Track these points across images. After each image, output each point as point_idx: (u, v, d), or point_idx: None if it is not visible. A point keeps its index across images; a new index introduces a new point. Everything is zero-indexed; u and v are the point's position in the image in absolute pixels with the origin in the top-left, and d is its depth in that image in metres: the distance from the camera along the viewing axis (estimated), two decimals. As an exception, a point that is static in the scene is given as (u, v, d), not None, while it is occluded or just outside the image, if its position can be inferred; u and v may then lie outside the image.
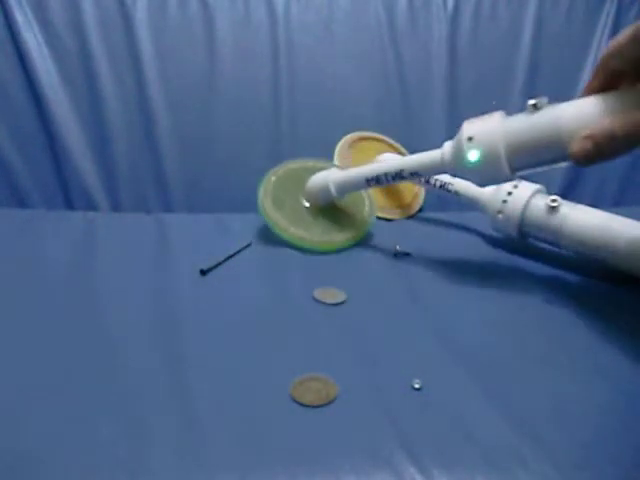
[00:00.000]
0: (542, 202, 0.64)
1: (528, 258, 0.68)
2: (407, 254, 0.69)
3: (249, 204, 0.88)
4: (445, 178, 0.78)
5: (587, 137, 0.41)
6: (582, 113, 0.44)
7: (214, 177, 0.90)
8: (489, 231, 0.75)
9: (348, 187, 0.68)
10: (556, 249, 0.67)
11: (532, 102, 0.47)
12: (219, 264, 0.63)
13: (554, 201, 0.63)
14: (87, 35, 0.85)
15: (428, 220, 0.86)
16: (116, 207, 0.88)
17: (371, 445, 0.36)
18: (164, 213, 0.86)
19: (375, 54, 0.95)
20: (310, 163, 0.77)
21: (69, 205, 0.87)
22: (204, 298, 0.55)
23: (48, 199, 0.86)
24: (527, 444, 0.37)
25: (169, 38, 0.88)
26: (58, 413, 0.38)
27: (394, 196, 0.89)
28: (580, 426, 0.39)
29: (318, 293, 0.57)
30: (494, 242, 0.74)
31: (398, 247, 0.69)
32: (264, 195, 0.71)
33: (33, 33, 0.84)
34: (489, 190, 0.72)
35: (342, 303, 0.56)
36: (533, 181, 0.68)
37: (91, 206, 0.86)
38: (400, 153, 0.91)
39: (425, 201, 0.92)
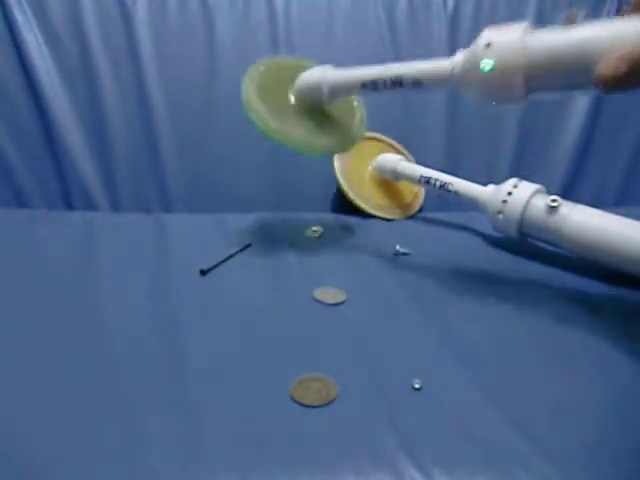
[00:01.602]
0: (542, 202, 0.64)
1: (528, 258, 0.68)
2: (407, 254, 0.69)
3: (249, 204, 0.89)
4: (445, 178, 0.78)
5: (620, 58, 0.39)
6: (618, 34, 0.41)
7: (214, 177, 0.90)
8: (489, 231, 0.75)
9: (341, 89, 0.61)
10: (556, 249, 0.67)
11: (565, 14, 0.45)
12: (219, 264, 0.63)
13: (554, 201, 0.63)
14: (87, 35, 0.85)
15: (428, 220, 0.86)
16: (116, 207, 0.88)
17: (371, 445, 0.36)
18: (164, 213, 0.86)
19: (375, 54, 0.95)
20: (305, 62, 0.68)
21: (69, 205, 0.87)
22: (204, 298, 0.55)
23: (48, 199, 0.86)
24: (527, 444, 0.37)
25: (169, 38, 0.88)
26: (58, 413, 0.38)
27: (394, 196, 0.89)
28: (580, 426, 0.39)
29: (318, 293, 0.57)
30: (494, 242, 0.74)
31: (398, 247, 0.69)
32: (249, 82, 0.62)
33: (33, 33, 0.84)
34: (489, 190, 0.72)
35: (342, 303, 0.56)
36: (533, 181, 0.68)
37: (91, 206, 0.86)
38: (400, 153, 0.91)
39: (425, 201, 0.92)
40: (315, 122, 0.64)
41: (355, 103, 0.71)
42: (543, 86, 0.45)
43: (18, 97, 0.84)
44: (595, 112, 0.99)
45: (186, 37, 0.89)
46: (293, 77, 0.65)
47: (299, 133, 0.62)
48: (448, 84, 0.53)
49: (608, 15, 0.99)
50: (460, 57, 0.51)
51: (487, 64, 0.46)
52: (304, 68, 0.65)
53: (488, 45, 0.46)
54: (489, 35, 0.47)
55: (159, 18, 0.88)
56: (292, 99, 0.64)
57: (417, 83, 0.54)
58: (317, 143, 0.63)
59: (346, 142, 0.67)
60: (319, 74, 0.62)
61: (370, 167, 0.88)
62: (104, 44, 0.86)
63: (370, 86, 0.57)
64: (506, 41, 0.45)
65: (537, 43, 0.44)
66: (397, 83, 0.55)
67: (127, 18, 0.86)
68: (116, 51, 0.87)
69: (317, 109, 0.65)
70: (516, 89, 0.45)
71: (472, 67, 0.48)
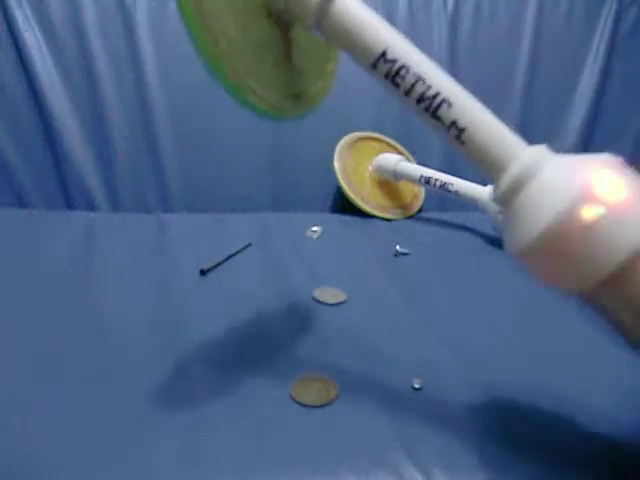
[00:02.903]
0: (542, 202, 0.64)
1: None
2: (407, 254, 0.69)
3: (249, 204, 0.89)
4: (445, 178, 0.78)
5: None
6: None
7: (214, 177, 0.90)
8: (489, 231, 0.75)
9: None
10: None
11: None
12: (219, 264, 0.63)
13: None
14: (87, 35, 0.85)
15: (428, 220, 0.86)
16: (116, 207, 0.88)
17: (371, 445, 0.36)
18: (164, 213, 0.86)
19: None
20: None
21: (69, 205, 0.87)
22: (204, 298, 0.55)
23: (48, 199, 0.86)
24: (527, 445, 0.37)
25: (169, 38, 0.88)
26: (59, 413, 0.38)
27: (394, 196, 0.89)
28: (580, 426, 0.39)
29: (318, 293, 0.57)
30: (494, 242, 0.74)
31: (398, 247, 0.69)
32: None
33: (33, 33, 0.84)
34: (489, 190, 0.72)
35: (342, 303, 0.56)
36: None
37: (91, 206, 0.86)
38: (400, 153, 0.91)
39: (425, 201, 0.92)
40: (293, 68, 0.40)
41: (330, 66, 0.46)
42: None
43: (18, 97, 0.84)
44: (595, 112, 0.99)
45: (186, 37, 0.89)
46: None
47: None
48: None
49: (608, 15, 0.99)
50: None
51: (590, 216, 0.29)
52: None
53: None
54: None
55: (159, 18, 0.88)
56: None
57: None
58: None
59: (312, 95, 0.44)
60: None
61: (370, 167, 0.88)
62: (104, 44, 0.86)
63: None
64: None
65: None
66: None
67: (127, 18, 0.86)
68: (116, 51, 0.86)
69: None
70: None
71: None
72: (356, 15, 0.33)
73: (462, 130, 0.32)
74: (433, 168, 0.81)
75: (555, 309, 0.55)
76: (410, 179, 0.83)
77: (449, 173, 0.80)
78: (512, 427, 0.38)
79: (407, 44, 0.34)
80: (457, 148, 0.33)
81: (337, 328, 0.51)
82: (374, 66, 0.33)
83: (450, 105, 0.33)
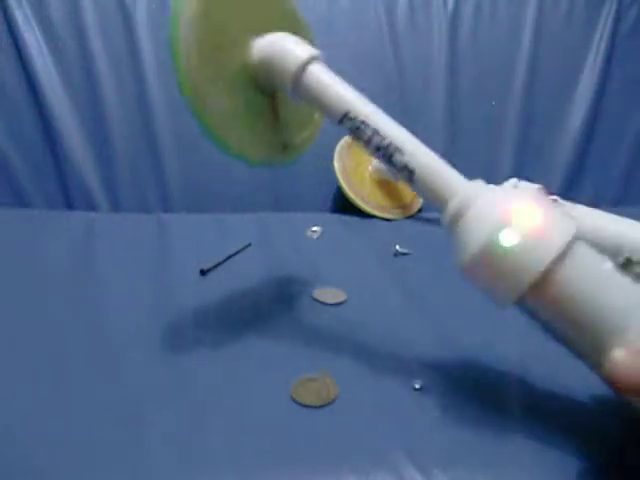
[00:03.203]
0: (542, 202, 0.64)
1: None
2: (407, 254, 0.69)
3: (249, 204, 0.89)
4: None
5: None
6: None
7: (214, 177, 0.90)
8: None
9: (314, 97, 0.42)
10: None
11: (625, 258, 0.36)
12: (219, 264, 0.63)
13: (554, 201, 0.63)
14: (87, 35, 0.85)
15: (428, 220, 0.86)
16: (116, 207, 0.88)
17: (371, 445, 0.36)
18: (164, 213, 0.86)
19: (375, 54, 0.95)
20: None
21: (69, 205, 0.87)
22: (204, 298, 0.55)
23: (48, 199, 0.86)
24: (527, 444, 0.37)
25: (169, 38, 0.88)
26: (58, 413, 0.38)
27: (394, 196, 0.89)
28: (580, 425, 0.39)
29: (318, 293, 0.57)
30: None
31: (398, 247, 0.69)
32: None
33: (33, 33, 0.84)
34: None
35: (342, 303, 0.56)
36: (533, 181, 0.68)
37: (91, 206, 0.87)
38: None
39: (425, 201, 0.92)
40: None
41: (316, 116, 0.52)
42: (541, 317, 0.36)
43: (18, 97, 0.84)
44: (595, 112, 0.99)
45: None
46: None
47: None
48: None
49: (608, 15, 0.99)
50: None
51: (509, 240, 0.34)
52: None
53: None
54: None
55: (159, 18, 0.88)
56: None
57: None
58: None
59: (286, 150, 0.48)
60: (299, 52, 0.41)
61: (370, 167, 0.88)
62: (104, 44, 0.86)
63: (349, 123, 0.41)
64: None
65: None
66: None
67: (127, 18, 0.86)
68: (116, 51, 0.87)
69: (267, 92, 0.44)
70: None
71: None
72: (324, 83, 0.41)
73: (412, 172, 0.40)
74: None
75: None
76: (410, 179, 0.83)
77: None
78: (513, 427, 0.38)
79: (366, 104, 0.41)
80: (410, 187, 0.41)
81: (337, 328, 0.51)
82: (341, 122, 0.41)
83: (401, 152, 0.40)
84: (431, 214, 0.89)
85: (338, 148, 0.87)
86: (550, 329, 0.36)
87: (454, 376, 0.44)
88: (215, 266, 0.62)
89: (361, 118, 0.40)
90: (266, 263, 0.65)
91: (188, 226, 0.76)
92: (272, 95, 0.45)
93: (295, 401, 0.40)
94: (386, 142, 0.40)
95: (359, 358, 0.46)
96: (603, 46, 0.98)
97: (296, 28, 0.45)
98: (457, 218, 0.37)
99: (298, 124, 0.49)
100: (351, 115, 0.40)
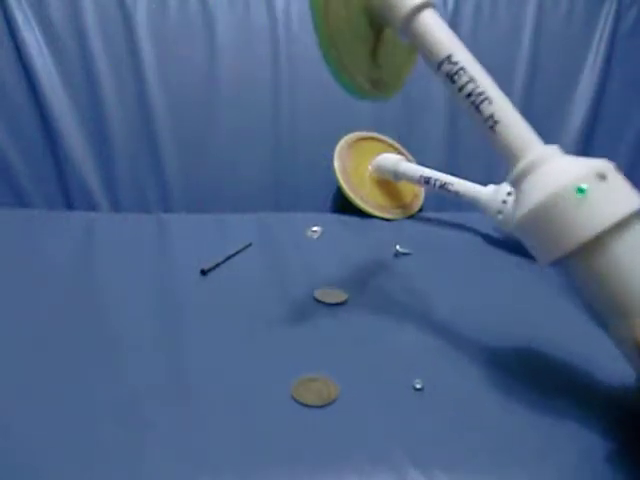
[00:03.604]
0: (542, 202, 0.65)
1: (528, 258, 0.68)
2: (407, 254, 0.69)
3: (249, 204, 0.89)
4: (445, 178, 0.78)
5: None
6: None
7: (214, 177, 0.90)
8: (489, 231, 0.75)
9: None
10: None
11: None
12: (219, 264, 0.63)
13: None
14: (87, 35, 0.85)
15: (428, 220, 0.86)
16: (116, 207, 0.88)
17: (372, 445, 0.36)
18: (164, 213, 0.86)
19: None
20: None
21: (69, 205, 0.87)
22: (204, 298, 0.55)
23: (48, 199, 0.86)
24: (527, 445, 0.37)
25: (169, 38, 0.88)
26: (58, 413, 0.38)
27: (394, 196, 0.89)
28: (580, 425, 0.39)
29: (319, 293, 0.57)
30: (494, 242, 0.74)
31: (398, 247, 0.69)
32: None
33: (33, 33, 0.84)
34: (489, 190, 0.72)
35: (343, 303, 0.56)
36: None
37: (91, 206, 0.86)
38: (400, 153, 0.91)
39: (425, 201, 0.92)
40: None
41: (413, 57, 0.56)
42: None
43: (18, 97, 0.84)
44: (595, 112, 0.99)
45: (186, 37, 0.89)
46: None
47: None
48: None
49: (608, 15, 0.99)
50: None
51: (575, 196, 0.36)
52: None
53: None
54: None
55: (159, 18, 0.88)
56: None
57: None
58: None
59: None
60: None
61: (370, 167, 0.89)
62: (104, 44, 0.86)
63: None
64: None
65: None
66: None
67: (127, 18, 0.86)
68: (116, 51, 0.86)
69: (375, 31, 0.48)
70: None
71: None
72: (433, 26, 0.43)
73: (496, 122, 0.41)
74: (433, 168, 0.81)
75: (556, 309, 0.55)
76: (410, 179, 0.83)
77: (449, 173, 0.80)
78: (514, 427, 0.38)
79: (467, 53, 0.44)
80: (489, 136, 0.42)
81: (337, 328, 0.51)
82: (440, 65, 0.43)
83: (490, 102, 0.42)
84: (431, 214, 0.89)
85: (338, 148, 0.87)
86: (583, 294, 0.38)
87: (454, 376, 0.44)
88: (215, 266, 0.62)
89: (461, 64, 0.43)
90: (266, 263, 0.65)
91: (188, 226, 0.76)
92: (379, 32, 0.48)
93: (296, 401, 0.40)
94: (479, 90, 0.42)
95: (360, 358, 0.46)
96: (603, 46, 0.98)
97: None
98: (526, 174, 0.39)
99: (389, 70, 0.53)
100: (453, 59, 0.43)
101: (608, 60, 0.99)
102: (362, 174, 0.88)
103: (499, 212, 0.68)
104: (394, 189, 0.89)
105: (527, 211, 0.37)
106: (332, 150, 0.87)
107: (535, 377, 0.44)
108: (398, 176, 0.84)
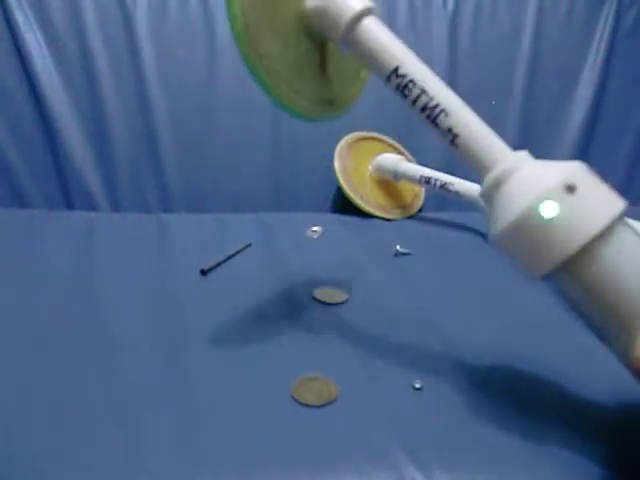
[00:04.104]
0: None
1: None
2: (407, 254, 0.69)
3: (249, 204, 0.89)
4: (445, 178, 0.78)
5: None
6: None
7: (214, 177, 0.90)
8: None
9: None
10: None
11: None
12: (219, 264, 0.63)
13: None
14: (87, 35, 0.85)
15: (428, 220, 0.86)
16: (116, 207, 0.88)
17: (372, 445, 0.36)
18: (164, 213, 0.86)
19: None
20: None
21: (69, 205, 0.87)
22: (204, 298, 0.55)
23: (48, 199, 0.86)
24: (528, 445, 0.37)
25: (169, 38, 0.88)
26: (58, 412, 0.38)
27: (394, 196, 0.89)
28: (581, 425, 0.39)
29: (319, 293, 0.57)
30: (494, 242, 0.74)
31: (398, 247, 0.69)
32: None
33: (33, 33, 0.84)
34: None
35: (342, 303, 0.56)
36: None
37: (91, 206, 0.86)
38: (400, 153, 0.91)
39: (425, 201, 0.92)
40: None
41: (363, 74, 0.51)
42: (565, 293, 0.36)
43: (18, 97, 0.84)
44: (595, 112, 0.99)
45: (186, 38, 0.89)
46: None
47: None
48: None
49: (607, 16, 0.99)
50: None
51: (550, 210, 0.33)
52: None
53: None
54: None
55: (159, 18, 0.88)
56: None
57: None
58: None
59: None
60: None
61: (370, 167, 0.89)
62: (104, 44, 0.86)
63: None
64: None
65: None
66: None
67: (127, 18, 0.86)
68: (116, 51, 0.86)
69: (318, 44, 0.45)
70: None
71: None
72: (376, 37, 0.40)
73: (456, 136, 0.38)
74: (433, 168, 0.81)
75: (556, 308, 0.55)
76: (410, 179, 0.83)
77: (449, 173, 0.80)
78: (513, 426, 0.38)
79: (416, 62, 0.40)
80: (452, 151, 0.39)
81: (337, 328, 0.51)
82: (388, 79, 0.40)
83: (447, 114, 0.38)
84: (431, 214, 0.89)
85: (338, 148, 0.87)
86: (577, 308, 0.36)
87: (454, 376, 0.44)
88: (215, 266, 0.62)
89: (410, 76, 0.39)
90: (266, 263, 0.65)
91: (188, 226, 0.76)
92: (322, 46, 0.44)
93: (296, 400, 0.40)
94: (433, 103, 0.38)
95: (360, 358, 0.46)
96: (603, 46, 0.98)
97: None
98: (499, 185, 0.36)
99: (345, 80, 0.49)
100: (400, 72, 0.39)
101: (608, 60, 0.99)
102: (362, 174, 0.88)
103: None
104: (394, 189, 0.89)
105: (500, 230, 0.35)
106: (332, 150, 0.87)
107: (535, 376, 0.44)
108: (398, 176, 0.84)
